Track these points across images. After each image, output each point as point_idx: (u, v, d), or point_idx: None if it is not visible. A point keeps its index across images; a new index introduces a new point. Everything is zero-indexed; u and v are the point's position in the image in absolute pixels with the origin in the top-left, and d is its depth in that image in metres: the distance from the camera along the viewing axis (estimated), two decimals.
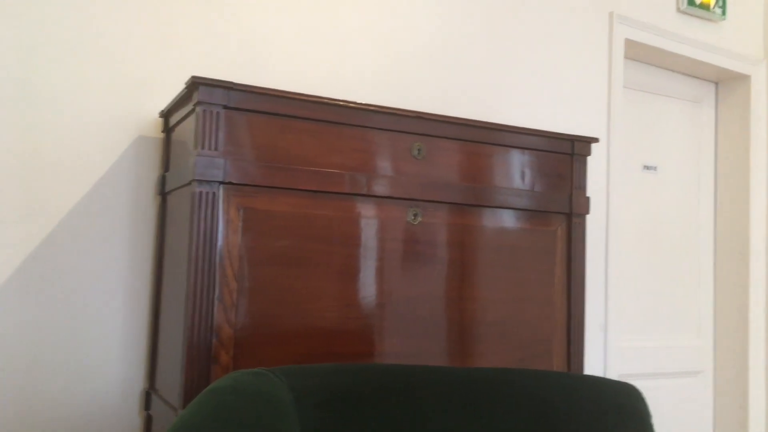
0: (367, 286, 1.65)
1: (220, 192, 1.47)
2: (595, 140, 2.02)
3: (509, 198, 1.86)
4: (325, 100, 1.59)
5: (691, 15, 2.81)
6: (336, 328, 1.61)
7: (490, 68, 2.30)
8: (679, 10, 2.77)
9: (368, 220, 1.66)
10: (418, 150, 1.73)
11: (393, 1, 2.14)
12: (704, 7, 2.79)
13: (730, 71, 2.95)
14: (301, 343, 1.55)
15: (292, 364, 1.51)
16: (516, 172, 1.90)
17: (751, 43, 3.02)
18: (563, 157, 1.98)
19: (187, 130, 1.58)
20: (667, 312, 2.92)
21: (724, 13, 2.86)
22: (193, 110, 1.51)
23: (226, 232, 1.48)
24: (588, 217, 2.47)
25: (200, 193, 1.44)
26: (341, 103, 1.61)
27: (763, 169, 2.99)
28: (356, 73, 2.07)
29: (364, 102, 1.68)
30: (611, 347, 2.52)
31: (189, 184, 1.49)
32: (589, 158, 2.46)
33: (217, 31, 1.87)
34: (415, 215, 1.71)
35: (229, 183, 1.48)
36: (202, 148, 1.45)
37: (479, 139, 1.83)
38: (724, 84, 3.09)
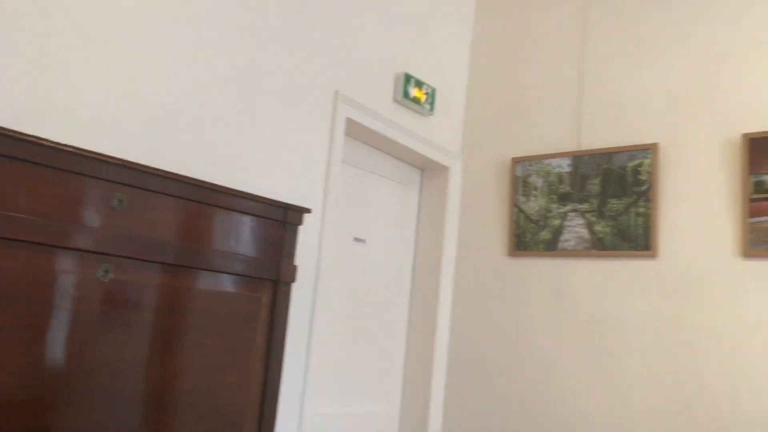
0: (50, 350, 1.44)
1: None
2: (308, 210, 2.07)
3: (216, 261, 1.81)
4: (19, 136, 1.39)
5: (405, 106, 3.11)
6: (8, 399, 1.36)
7: (218, 129, 2.25)
8: (395, 100, 3.05)
9: (56, 274, 1.46)
10: (119, 201, 1.59)
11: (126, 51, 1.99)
12: (416, 101, 3.11)
13: (434, 161, 3.31)
14: None
15: None
16: (226, 235, 1.86)
17: (452, 140, 3.44)
18: (276, 224, 2.00)
19: None
20: (365, 378, 3.07)
21: (432, 109, 3.23)
22: None
23: None
24: (298, 284, 2.51)
25: None
26: (32, 139, 1.42)
27: (452, 247, 3.37)
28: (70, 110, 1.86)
29: (65, 143, 1.51)
30: (308, 414, 2.55)
31: None
32: (304, 228, 2.53)
33: None
34: (106, 272, 1.56)
35: None
36: None
37: (191, 197, 1.76)
38: (428, 171, 3.45)
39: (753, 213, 2.55)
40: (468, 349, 3.23)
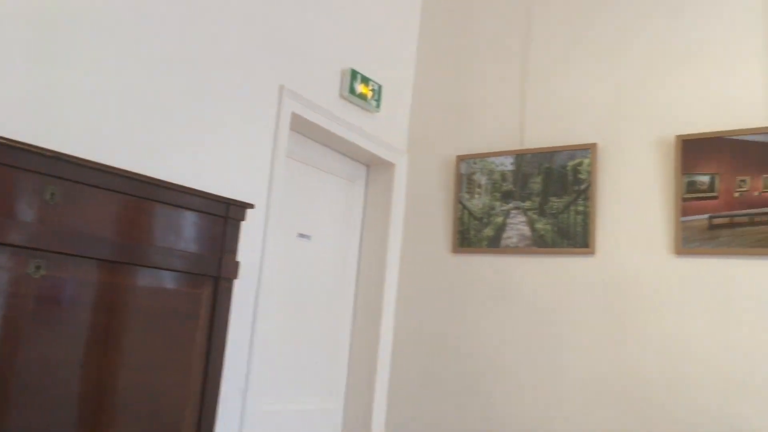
0: None
1: None
2: (251, 206, 2.05)
3: (155, 257, 1.77)
4: None
5: (352, 102, 3.11)
6: None
7: (159, 123, 2.19)
8: (341, 96, 3.04)
9: None
10: (52, 195, 1.54)
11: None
12: (363, 97, 3.11)
13: (380, 157, 3.32)
14: None
15: None
16: (166, 230, 1.81)
17: (398, 137, 3.45)
18: (217, 219, 1.96)
19: None
20: (309, 375, 3.06)
21: (378, 106, 3.23)
22: None
23: None
24: (240, 281, 2.48)
25: None
26: None
27: (397, 244, 3.38)
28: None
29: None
30: (250, 412, 2.52)
31: None
32: (247, 223, 2.50)
33: None
34: (38, 268, 1.50)
35: None
36: None
37: (129, 192, 1.71)
38: (374, 167, 3.46)
39: (685, 212, 2.65)
40: (412, 345, 3.25)
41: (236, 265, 1.99)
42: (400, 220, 3.42)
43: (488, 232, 3.14)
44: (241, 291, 2.49)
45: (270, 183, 2.64)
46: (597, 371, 2.75)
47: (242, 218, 2.03)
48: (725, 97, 2.68)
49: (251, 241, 2.54)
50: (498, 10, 3.36)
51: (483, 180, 3.20)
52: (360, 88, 3.09)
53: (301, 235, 3.03)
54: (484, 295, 3.10)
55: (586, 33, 3.07)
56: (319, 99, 2.91)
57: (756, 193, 2.53)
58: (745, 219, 2.53)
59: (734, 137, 2.60)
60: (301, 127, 2.94)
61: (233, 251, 1.99)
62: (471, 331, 3.10)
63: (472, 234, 3.18)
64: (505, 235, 3.09)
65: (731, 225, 2.56)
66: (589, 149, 2.92)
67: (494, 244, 3.11)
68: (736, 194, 2.57)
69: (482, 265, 3.14)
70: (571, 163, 2.97)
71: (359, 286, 3.36)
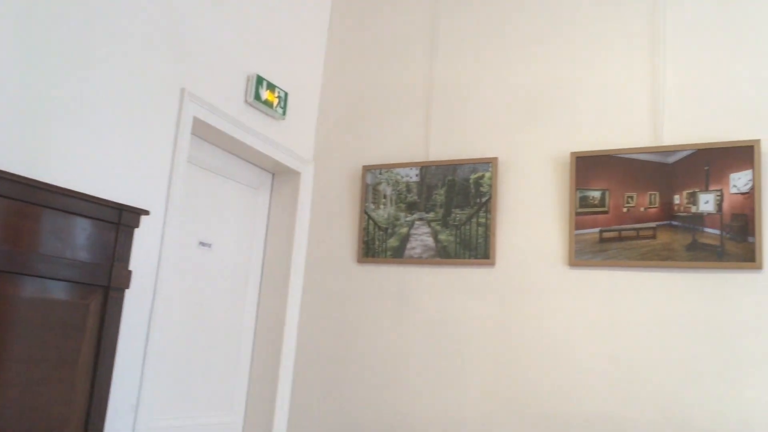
0: None
1: None
2: (145, 212, 1.96)
3: (39, 265, 1.65)
4: None
5: (257, 109, 3.05)
6: None
7: (51, 124, 2.06)
8: (246, 101, 2.98)
9: None
10: None
11: None
12: (268, 104, 3.06)
13: (285, 166, 3.28)
14: None
15: None
16: (53, 237, 1.71)
17: (304, 145, 3.42)
18: (109, 226, 1.87)
19: None
20: (207, 388, 2.96)
21: (284, 113, 3.19)
22: None
23: None
24: (134, 290, 2.36)
25: None
26: None
27: (302, 253, 3.35)
28: None
29: None
30: (143, 428, 2.40)
31: None
32: (143, 231, 2.39)
33: None
34: None
35: None
36: None
37: (12, 195, 1.60)
38: (280, 176, 3.41)
39: (578, 226, 2.78)
40: (315, 356, 3.22)
41: (128, 274, 1.90)
42: (305, 230, 3.38)
43: (393, 242, 3.16)
44: (135, 301, 2.37)
45: (169, 189, 2.54)
46: (495, 378, 2.82)
47: (136, 225, 1.94)
48: (616, 118, 2.83)
49: (147, 249, 2.43)
50: (405, 21, 3.41)
51: (388, 191, 3.23)
52: (266, 94, 3.04)
53: (202, 244, 2.94)
54: (388, 305, 3.12)
55: (489, 48, 3.17)
56: (222, 104, 2.84)
57: (642, 209, 2.69)
58: (632, 233, 2.68)
59: (623, 155, 2.75)
60: (203, 132, 2.85)
61: (125, 259, 1.90)
62: (375, 342, 3.11)
63: (377, 244, 3.20)
64: (409, 245, 3.12)
65: (620, 239, 2.70)
66: (490, 163, 3.01)
67: (398, 254, 3.13)
68: (625, 209, 2.72)
69: (387, 275, 3.16)
70: (473, 176, 3.04)
71: (262, 296, 3.29)
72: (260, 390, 3.17)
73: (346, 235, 3.30)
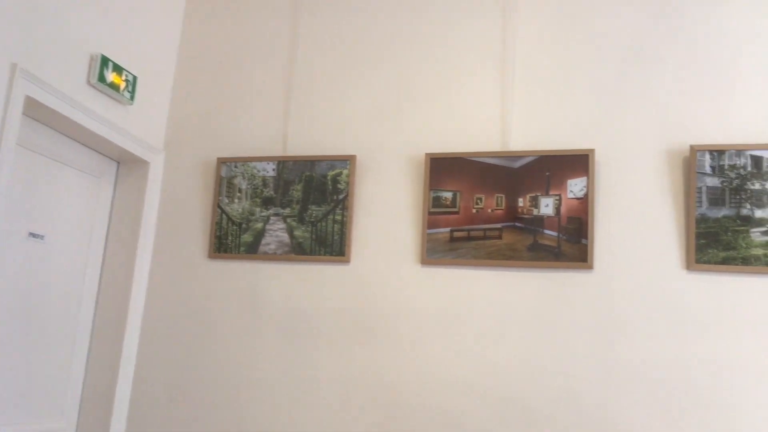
0: None
1: None
2: None
3: None
4: None
5: (101, 92, 2.84)
6: None
7: None
8: (89, 83, 2.76)
9: None
10: None
11: None
12: (114, 87, 2.86)
13: (132, 154, 3.08)
14: None
15: None
16: None
17: (155, 134, 3.23)
18: None
19: None
20: (36, 393, 2.71)
21: (132, 98, 2.99)
22: None
23: None
24: None
25: None
26: None
27: (148, 247, 3.16)
28: None
29: None
30: None
31: None
32: None
33: None
34: None
35: None
36: None
37: None
38: (126, 165, 3.20)
39: (431, 225, 2.85)
40: (160, 356, 3.06)
41: None
42: (153, 223, 3.20)
43: (247, 237, 3.07)
44: None
45: None
46: (348, 375, 2.82)
47: None
48: (468, 123, 2.94)
49: None
50: (267, 14, 3.33)
51: (244, 185, 3.13)
52: (111, 76, 2.84)
53: (33, 235, 2.69)
54: (240, 302, 3.03)
55: (349, 45, 3.17)
56: (61, 84, 2.61)
57: (490, 210, 2.81)
58: (481, 233, 2.80)
59: (474, 158, 2.86)
60: (38, 113, 2.60)
61: None
62: (226, 340, 3.00)
63: (231, 239, 3.09)
64: (264, 241, 3.05)
65: (469, 238, 2.80)
66: (348, 160, 3.01)
67: (252, 250, 3.05)
68: (474, 210, 2.83)
69: (239, 271, 3.06)
70: (331, 173, 3.03)
71: (101, 293, 3.07)
72: (96, 395, 2.96)
73: (197, 229, 3.16)
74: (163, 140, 3.31)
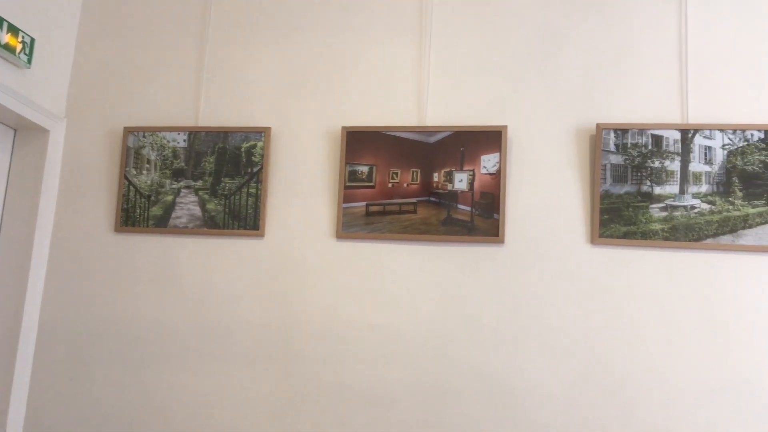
0: None
1: None
2: None
3: None
4: None
5: None
6: None
7: None
8: None
9: None
10: None
11: None
12: (10, 49, 2.67)
13: (31, 121, 2.89)
14: None
15: None
16: None
17: (56, 101, 3.05)
18: None
19: None
20: None
21: (29, 62, 2.80)
22: None
23: None
24: None
25: None
26: None
27: (49, 221, 3.00)
28: None
29: None
30: None
31: None
32: None
33: None
34: None
35: None
36: None
37: None
38: (24, 133, 3.00)
39: (347, 199, 2.84)
40: (62, 335, 2.92)
41: None
42: (54, 195, 3.03)
43: (156, 211, 2.96)
44: None
45: None
46: (264, 351, 2.79)
47: None
48: (385, 96, 2.93)
49: None
50: None
51: (153, 155, 3.01)
52: (6, 37, 2.64)
53: None
54: (149, 278, 2.93)
55: (265, 14, 3.08)
56: None
57: (405, 185, 2.83)
58: (396, 207, 2.81)
59: (390, 133, 2.86)
60: None
61: None
62: (134, 317, 2.90)
63: (138, 213, 2.97)
64: (174, 214, 2.95)
65: (384, 213, 2.81)
66: (263, 132, 2.95)
67: (162, 223, 2.95)
68: (390, 185, 2.84)
69: (148, 245, 2.96)
70: (245, 145, 2.96)
71: None
72: None
73: (102, 202, 3.02)
74: (65, 107, 3.13)
